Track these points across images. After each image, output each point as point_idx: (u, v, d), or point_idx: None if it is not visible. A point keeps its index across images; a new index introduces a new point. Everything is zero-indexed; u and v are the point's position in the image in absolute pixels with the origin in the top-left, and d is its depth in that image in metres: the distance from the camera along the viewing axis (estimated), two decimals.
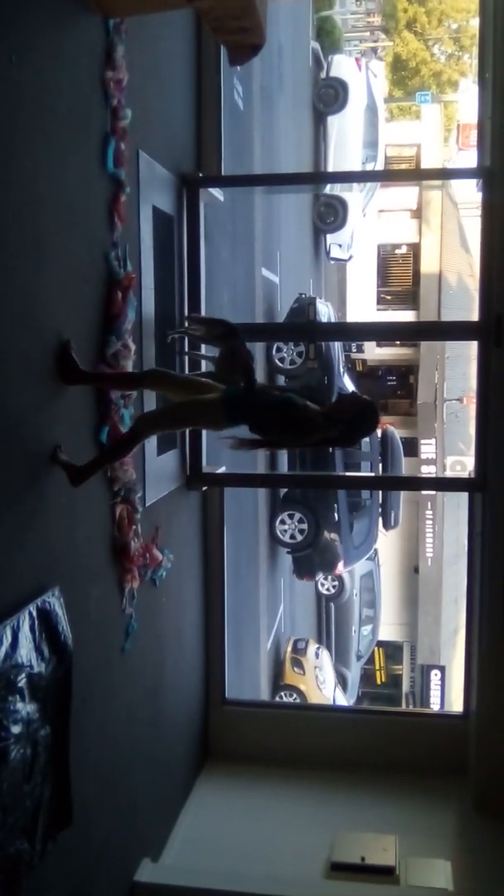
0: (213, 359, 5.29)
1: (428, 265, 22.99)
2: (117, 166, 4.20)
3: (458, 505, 19.74)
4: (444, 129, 28.32)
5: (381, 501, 14.31)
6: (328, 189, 17.75)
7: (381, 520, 14.53)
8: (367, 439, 13.35)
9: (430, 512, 22.48)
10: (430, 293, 22.72)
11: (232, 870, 5.16)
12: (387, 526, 14.91)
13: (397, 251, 23.96)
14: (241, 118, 9.79)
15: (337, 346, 12.70)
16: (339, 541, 13.21)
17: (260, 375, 11.28)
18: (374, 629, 19.31)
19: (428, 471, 21.63)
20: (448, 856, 5.31)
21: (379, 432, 14.14)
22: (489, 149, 5.67)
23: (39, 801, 3.32)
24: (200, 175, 5.96)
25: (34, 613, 3.26)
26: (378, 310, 23.57)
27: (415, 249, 23.57)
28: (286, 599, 14.30)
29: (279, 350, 12.13)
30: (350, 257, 20.27)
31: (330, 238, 19.00)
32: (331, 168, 18.22)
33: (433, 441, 22.22)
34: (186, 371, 5.85)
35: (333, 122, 18.22)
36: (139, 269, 4.68)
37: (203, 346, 5.56)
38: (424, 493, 21.66)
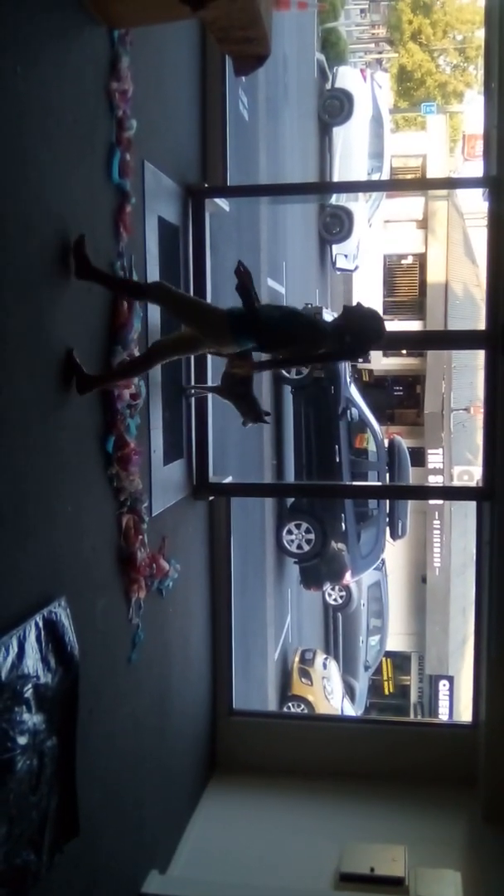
0: (216, 387, 5.37)
1: (434, 275, 23.03)
2: (122, 177, 4.21)
3: (465, 514, 19.71)
4: (450, 140, 28.39)
5: (388, 511, 14.30)
6: (334, 199, 17.81)
7: (388, 529, 14.51)
8: (374, 448, 13.37)
9: (438, 521, 22.45)
10: (437, 303, 22.75)
11: (240, 881, 5.14)
12: (394, 536, 14.90)
13: (403, 261, 24.01)
14: (247, 129, 9.82)
15: None
16: (346, 551, 13.20)
17: (266, 385, 11.29)
18: (382, 639, 19.27)
19: (435, 480, 21.62)
20: (458, 866, 5.26)
21: (386, 442, 14.16)
22: (495, 158, 5.67)
23: (46, 813, 3.31)
24: (206, 185, 5.97)
25: (40, 624, 3.25)
26: (384, 320, 23.55)
27: (421, 259, 23.61)
28: (293, 610, 14.27)
29: None
30: (356, 268, 20.32)
31: (336, 248, 19.05)
32: (336, 178, 18.27)
33: (440, 451, 22.21)
34: (192, 382, 5.87)
35: (339, 133, 18.29)
36: (145, 279, 4.68)
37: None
38: (432, 502, 21.64)
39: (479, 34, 31.35)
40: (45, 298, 3.41)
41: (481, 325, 6.04)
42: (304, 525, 12.74)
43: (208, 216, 5.98)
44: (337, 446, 12.67)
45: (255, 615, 10.55)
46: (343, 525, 12.95)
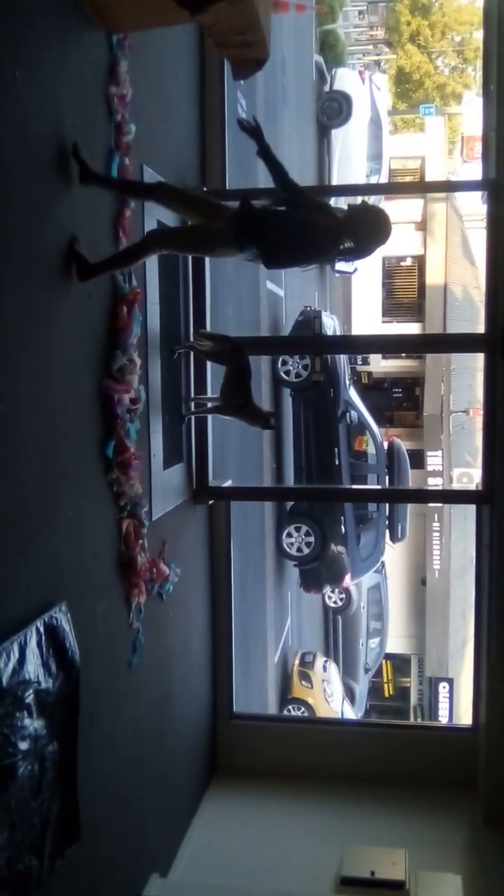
0: (214, 408, 5.40)
1: (433, 277, 23.01)
2: None
3: (465, 517, 19.70)
4: (449, 142, 28.40)
5: (387, 514, 14.29)
6: (332, 201, 17.79)
7: (388, 532, 14.51)
8: (373, 451, 13.38)
9: (438, 524, 22.44)
10: (436, 305, 22.73)
11: (241, 885, 5.13)
12: (394, 538, 14.90)
13: (402, 263, 23.99)
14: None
15: (342, 359, 12.73)
16: (346, 553, 13.20)
17: (265, 388, 11.30)
18: (382, 642, 19.26)
19: (434, 483, 21.60)
20: (458, 870, 5.26)
21: (385, 444, 14.16)
22: (494, 161, 5.67)
23: (47, 818, 3.31)
24: (205, 189, 5.98)
25: (41, 629, 3.25)
26: (383, 322, 23.59)
27: (420, 261, 23.59)
28: (293, 612, 14.27)
29: (284, 363, 12.15)
30: (355, 270, 20.29)
31: None
32: (335, 181, 18.28)
33: (440, 453, 22.18)
34: (192, 391, 5.88)
35: (337, 135, 18.29)
36: (144, 284, 4.69)
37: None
38: (431, 505, 21.62)
39: (478, 35, 31.40)
40: (45, 302, 3.41)
41: (480, 327, 6.05)
42: (304, 528, 12.74)
43: None
44: (336, 449, 12.68)
45: (255, 618, 10.55)
46: (343, 528, 12.95)
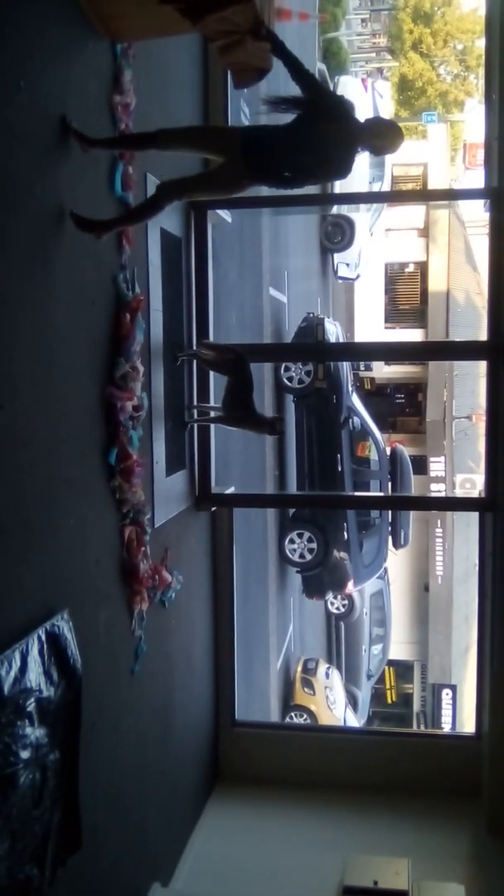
0: (219, 407, 5.41)
1: (436, 283, 23.01)
2: (125, 189, 4.22)
3: (468, 523, 19.67)
4: (451, 149, 28.42)
5: (390, 520, 14.27)
6: (335, 209, 17.80)
7: (390, 538, 14.48)
8: (376, 457, 13.37)
9: (440, 529, 22.40)
10: (438, 311, 22.73)
11: (243, 894, 5.12)
12: (396, 544, 14.86)
13: (405, 270, 24.00)
14: None
15: (345, 365, 12.72)
16: (348, 560, 13.17)
17: (268, 394, 11.30)
18: (385, 648, 19.21)
19: (437, 488, 21.58)
20: (462, 879, 5.24)
21: (388, 450, 14.15)
22: (496, 169, 5.68)
23: (49, 827, 3.30)
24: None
25: (43, 637, 3.25)
26: (386, 328, 23.59)
27: (422, 268, 23.60)
28: (296, 619, 14.25)
29: (287, 369, 12.15)
30: (358, 276, 20.33)
31: (337, 257, 19.05)
32: (338, 188, 18.26)
33: (442, 459, 22.16)
34: (195, 399, 5.88)
35: None
36: (147, 292, 4.69)
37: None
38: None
39: (480, 44, 31.43)
40: (49, 309, 3.41)
41: (483, 333, 6.05)
42: (307, 534, 12.71)
43: (210, 227, 5.99)
44: (339, 455, 12.66)
45: (258, 625, 10.53)
46: (345, 534, 12.93)
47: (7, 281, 3.06)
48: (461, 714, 21.60)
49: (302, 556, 12.78)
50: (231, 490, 6.39)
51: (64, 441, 3.57)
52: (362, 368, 21.90)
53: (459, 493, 20.74)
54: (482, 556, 6.10)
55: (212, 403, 5.89)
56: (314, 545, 12.72)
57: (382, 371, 23.17)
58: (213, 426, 6.05)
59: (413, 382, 24.02)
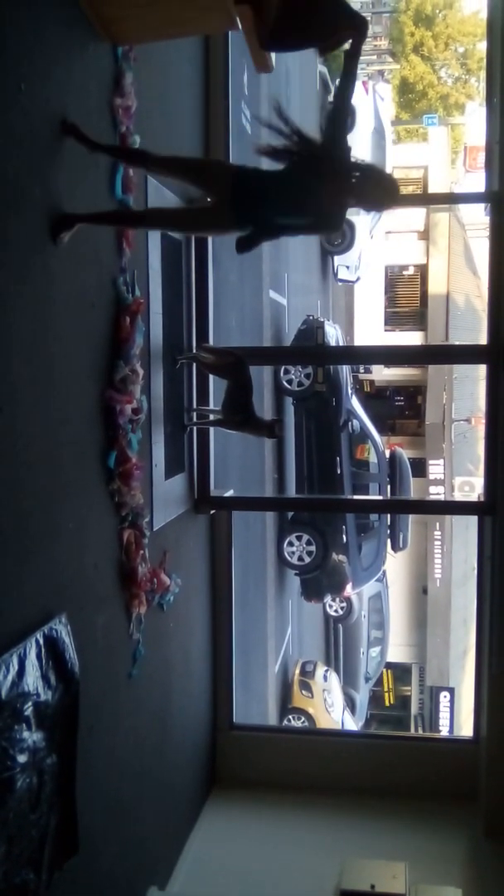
0: (219, 410, 5.40)
1: (435, 286, 23.05)
2: (126, 192, 4.22)
3: (466, 526, 19.67)
4: (452, 152, 28.45)
5: (389, 523, 14.27)
6: None
7: (389, 541, 14.48)
8: (375, 460, 13.37)
9: (439, 532, 22.42)
10: (438, 314, 22.76)
11: None
12: (395, 547, 14.87)
13: (405, 272, 24.02)
14: (249, 142, 9.82)
15: (345, 368, 12.73)
16: (347, 562, 13.17)
17: (267, 397, 11.29)
18: (383, 651, 19.21)
19: (436, 491, 21.60)
20: (459, 883, 5.24)
21: (387, 453, 14.16)
22: (497, 173, 5.68)
23: (46, 831, 3.29)
24: (208, 200, 5.98)
25: (41, 641, 3.24)
26: (386, 331, 23.61)
27: (422, 271, 23.63)
28: (294, 622, 14.24)
29: (287, 372, 12.15)
30: (358, 279, 20.33)
31: (338, 260, 19.06)
32: None
33: (441, 461, 22.18)
34: (194, 402, 5.88)
35: None
36: (147, 295, 4.69)
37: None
38: None
39: (481, 47, 31.46)
40: (49, 313, 3.41)
41: (483, 335, 6.04)
42: (305, 537, 12.71)
43: None
44: (338, 458, 12.67)
45: (256, 627, 10.52)
46: (344, 537, 12.93)
47: (6, 283, 3.05)
48: (459, 717, 21.62)
49: (300, 558, 12.78)
50: (230, 493, 6.38)
51: (63, 444, 3.56)
52: (362, 371, 21.91)
53: (458, 496, 20.77)
54: (481, 560, 6.10)
55: (211, 407, 5.88)
56: (313, 548, 12.72)
57: (382, 374, 23.20)
58: (212, 429, 6.05)
59: (412, 385, 24.05)
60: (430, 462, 22.19)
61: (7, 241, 3.06)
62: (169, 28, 4.13)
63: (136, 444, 4.36)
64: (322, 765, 6.33)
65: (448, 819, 5.90)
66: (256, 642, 10.47)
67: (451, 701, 22.22)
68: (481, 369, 7.17)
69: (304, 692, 13.60)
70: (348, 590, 14.09)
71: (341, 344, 13.43)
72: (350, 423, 12.87)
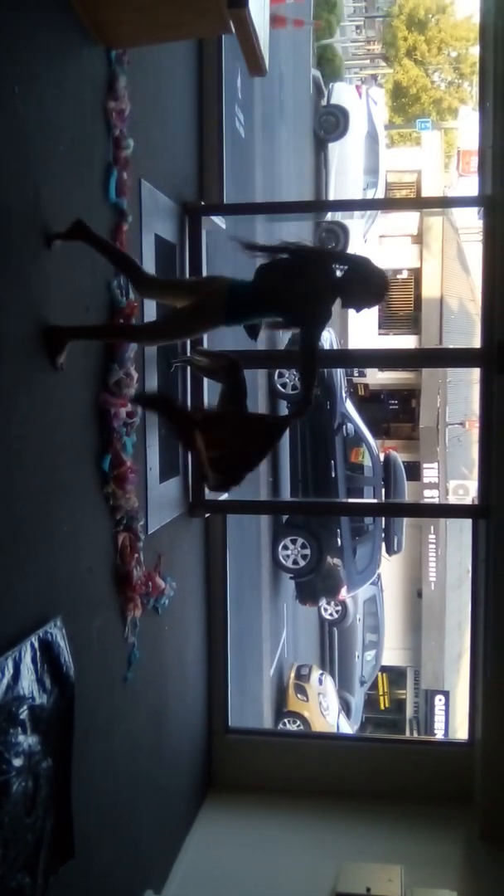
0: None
1: (429, 290, 23.10)
2: (119, 196, 4.22)
3: (461, 529, 19.71)
4: (445, 155, 28.52)
5: (384, 526, 14.30)
6: (329, 215, 17.86)
7: (384, 544, 14.50)
8: (369, 463, 13.39)
9: (433, 536, 22.46)
10: (432, 318, 22.82)
11: None
12: (390, 551, 14.90)
13: (398, 276, 24.06)
14: (243, 146, 9.86)
15: (339, 371, 12.74)
16: (342, 566, 13.19)
17: (261, 400, 11.29)
18: (378, 654, 19.24)
19: (430, 494, 21.63)
20: (455, 886, 5.24)
21: (382, 457, 14.18)
22: (490, 177, 5.69)
23: (41, 835, 3.28)
24: (202, 203, 5.99)
25: (36, 644, 3.24)
26: (380, 334, 23.64)
27: (416, 274, 23.68)
28: (289, 625, 14.25)
29: (281, 375, 12.16)
30: None
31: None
32: (332, 194, 18.33)
33: (435, 465, 22.23)
34: (188, 399, 5.88)
35: (334, 149, 18.34)
36: (141, 298, 4.68)
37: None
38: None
39: (474, 51, 31.57)
40: (43, 316, 3.41)
41: (476, 339, 6.05)
42: (300, 540, 12.73)
43: (205, 234, 5.99)
44: (333, 461, 12.69)
45: (251, 631, 10.52)
46: (339, 540, 12.95)
47: (0, 286, 3.05)
48: (454, 720, 21.63)
49: (295, 562, 12.80)
50: (225, 496, 6.38)
51: (57, 447, 3.56)
52: (356, 374, 21.94)
53: (452, 499, 20.79)
54: (475, 563, 6.11)
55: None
56: (308, 551, 12.75)
57: (376, 377, 23.24)
58: None
59: (407, 389, 24.11)
60: (425, 465, 22.23)
61: (1, 245, 3.06)
62: (163, 32, 4.14)
63: (131, 448, 4.36)
64: (317, 768, 6.32)
65: (443, 822, 5.90)
66: (251, 646, 10.47)
67: (446, 704, 22.25)
68: (475, 373, 7.18)
69: (299, 696, 13.61)
70: (343, 593, 14.12)
71: (335, 347, 13.44)
72: (344, 427, 12.89)
